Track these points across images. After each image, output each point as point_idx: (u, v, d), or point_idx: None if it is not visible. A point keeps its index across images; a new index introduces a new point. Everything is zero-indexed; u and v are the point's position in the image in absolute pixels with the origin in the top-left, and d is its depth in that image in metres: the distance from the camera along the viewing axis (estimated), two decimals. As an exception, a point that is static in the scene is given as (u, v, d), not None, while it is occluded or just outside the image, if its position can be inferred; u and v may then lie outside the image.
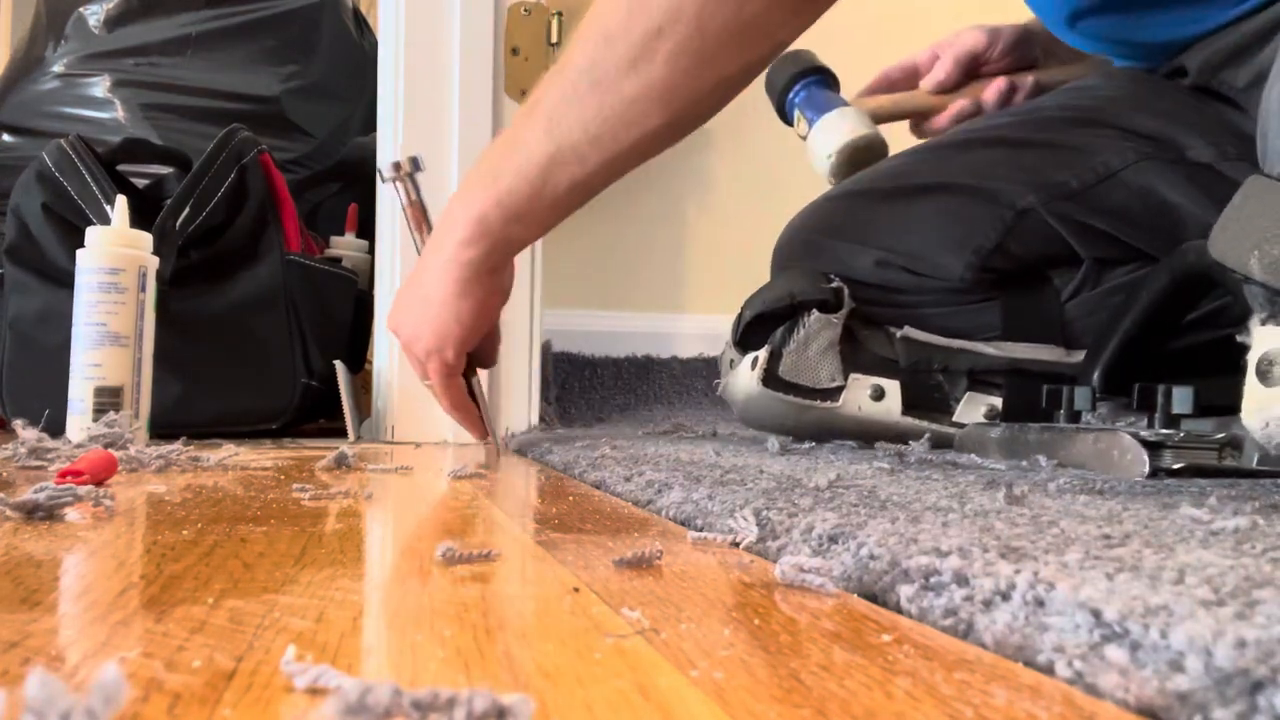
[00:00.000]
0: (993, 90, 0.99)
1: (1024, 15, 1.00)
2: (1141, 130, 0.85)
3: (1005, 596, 0.27)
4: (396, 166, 0.99)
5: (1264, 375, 0.47)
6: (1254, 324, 0.49)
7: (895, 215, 0.88)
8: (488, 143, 1.22)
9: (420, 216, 0.99)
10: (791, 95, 1.00)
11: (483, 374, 0.98)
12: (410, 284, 0.90)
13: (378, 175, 0.99)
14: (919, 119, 1.03)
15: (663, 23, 0.70)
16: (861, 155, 0.95)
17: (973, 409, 0.85)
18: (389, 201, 1.22)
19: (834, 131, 0.96)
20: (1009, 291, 0.86)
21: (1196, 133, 0.83)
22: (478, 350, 0.91)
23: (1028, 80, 1.00)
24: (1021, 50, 1.01)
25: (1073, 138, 0.86)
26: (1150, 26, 0.85)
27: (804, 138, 0.99)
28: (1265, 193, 0.50)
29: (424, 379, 0.92)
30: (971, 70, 1.01)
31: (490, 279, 0.85)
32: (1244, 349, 0.51)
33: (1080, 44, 0.92)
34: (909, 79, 1.03)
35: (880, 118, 0.99)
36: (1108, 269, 0.85)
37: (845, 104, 0.97)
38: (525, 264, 1.21)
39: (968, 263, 0.85)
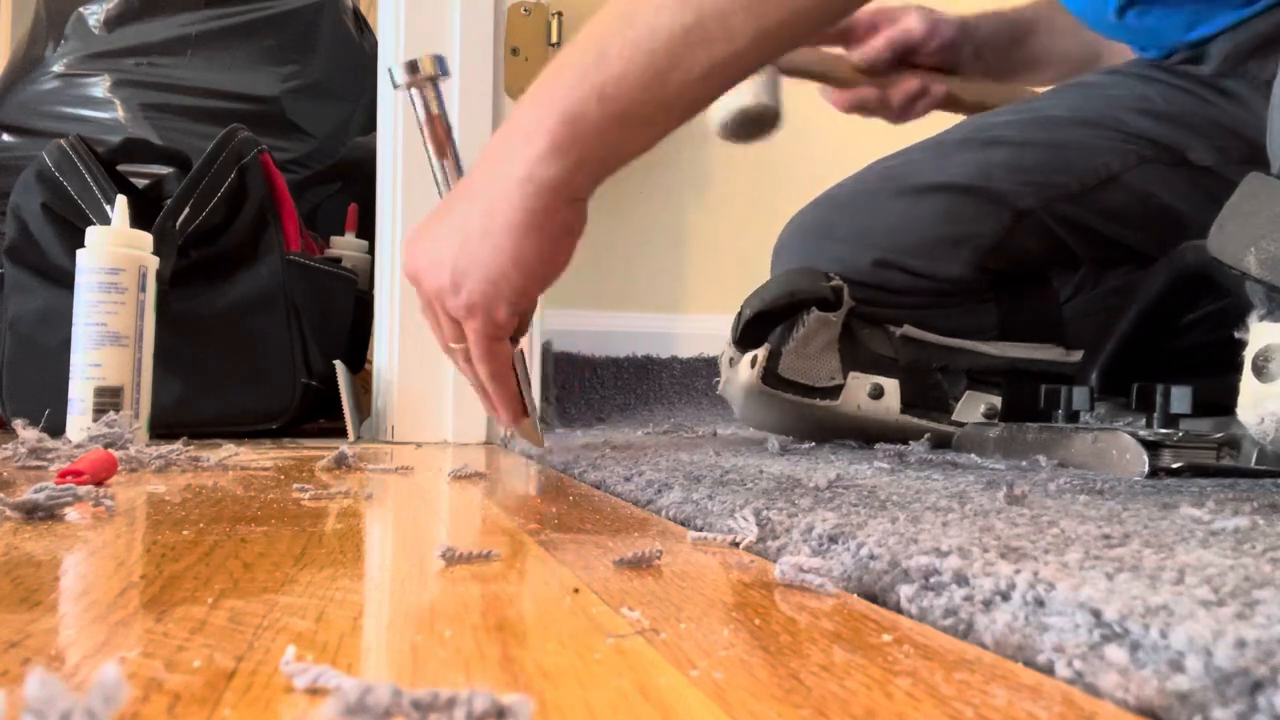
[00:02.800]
0: (902, 90, 0.98)
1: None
2: (1144, 133, 0.84)
3: (1005, 596, 0.27)
4: (413, 67, 0.78)
5: (1260, 371, 0.47)
6: (1252, 320, 0.49)
7: (894, 215, 0.88)
8: (488, 143, 1.23)
9: (444, 135, 0.79)
10: None
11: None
12: (440, 216, 0.72)
13: (389, 79, 0.80)
14: (830, 84, 1.01)
15: None
16: (753, 124, 0.93)
17: (972, 408, 0.85)
18: (389, 200, 1.22)
19: (736, 90, 0.88)
20: (1008, 292, 0.87)
21: (1200, 136, 0.83)
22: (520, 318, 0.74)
23: (940, 89, 0.99)
24: (953, 51, 1.00)
25: (1074, 139, 0.85)
26: (1196, 15, 0.83)
27: None
28: (1263, 190, 0.50)
29: (450, 342, 0.73)
30: (901, 57, 0.99)
31: (569, 211, 0.67)
32: (1242, 347, 0.51)
33: (1122, 36, 0.90)
34: (840, 36, 1.00)
35: (797, 71, 0.97)
36: (1107, 270, 0.85)
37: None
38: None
39: (966, 263, 0.85)
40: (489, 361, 0.72)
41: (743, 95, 0.91)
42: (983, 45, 1.00)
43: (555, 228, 0.67)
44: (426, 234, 0.71)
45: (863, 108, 0.99)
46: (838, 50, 1.00)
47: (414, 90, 0.78)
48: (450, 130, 0.79)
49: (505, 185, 0.66)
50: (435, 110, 0.78)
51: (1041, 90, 0.98)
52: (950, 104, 1.02)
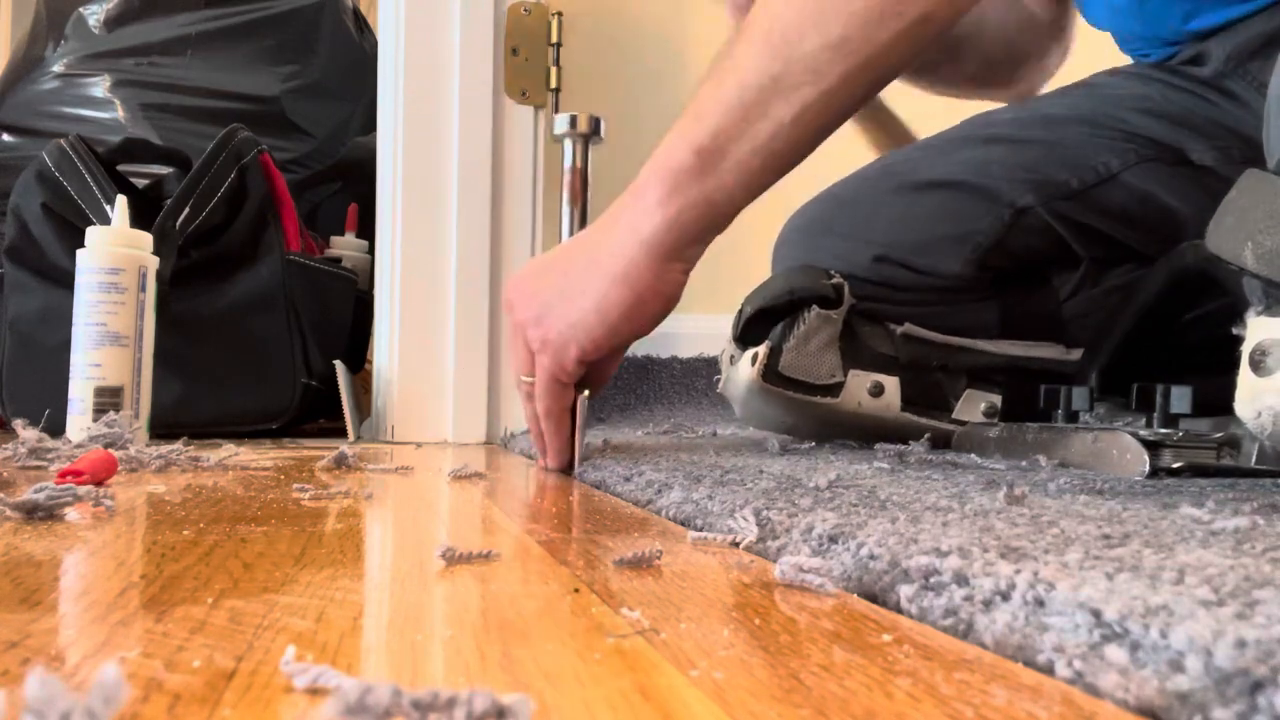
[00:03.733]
0: None
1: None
2: (1144, 131, 0.84)
3: (1005, 596, 0.27)
4: (572, 122, 0.85)
5: (1257, 365, 0.47)
6: (1250, 315, 0.49)
7: (894, 212, 0.88)
8: (487, 143, 1.23)
9: (579, 188, 0.85)
10: None
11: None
12: (552, 256, 0.75)
13: (551, 129, 0.86)
14: None
15: None
16: None
17: (972, 406, 0.85)
18: (389, 200, 1.22)
19: None
20: (1008, 290, 0.87)
21: (1200, 135, 0.83)
22: (594, 372, 0.74)
23: None
24: None
25: (1074, 137, 0.85)
26: (1195, 6, 0.82)
27: None
28: (1260, 185, 0.50)
29: (521, 373, 0.75)
30: None
31: (667, 272, 0.68)
32: (1240, 343, 0.51)
33: (1128, 29, 0.90)
34: None
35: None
36: (1106, 268, 0.85)
37: None
38: (525, 263, 1.21)
39: (966, 261, 0.85)
40: (548, 399, 0.72)
41: None
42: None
43: (647, 285, 0.68)
44: (536, 270, 0.75)
45: None
46: None
47: (567, 140, 0.85)
48: (586, 185, 0.86)
49: (613, 237, 0.69)
50: (579, 164, 0.85)
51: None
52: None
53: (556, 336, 0.69)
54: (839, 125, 0.69)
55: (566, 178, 0.86)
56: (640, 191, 0.68)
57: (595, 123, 0.84)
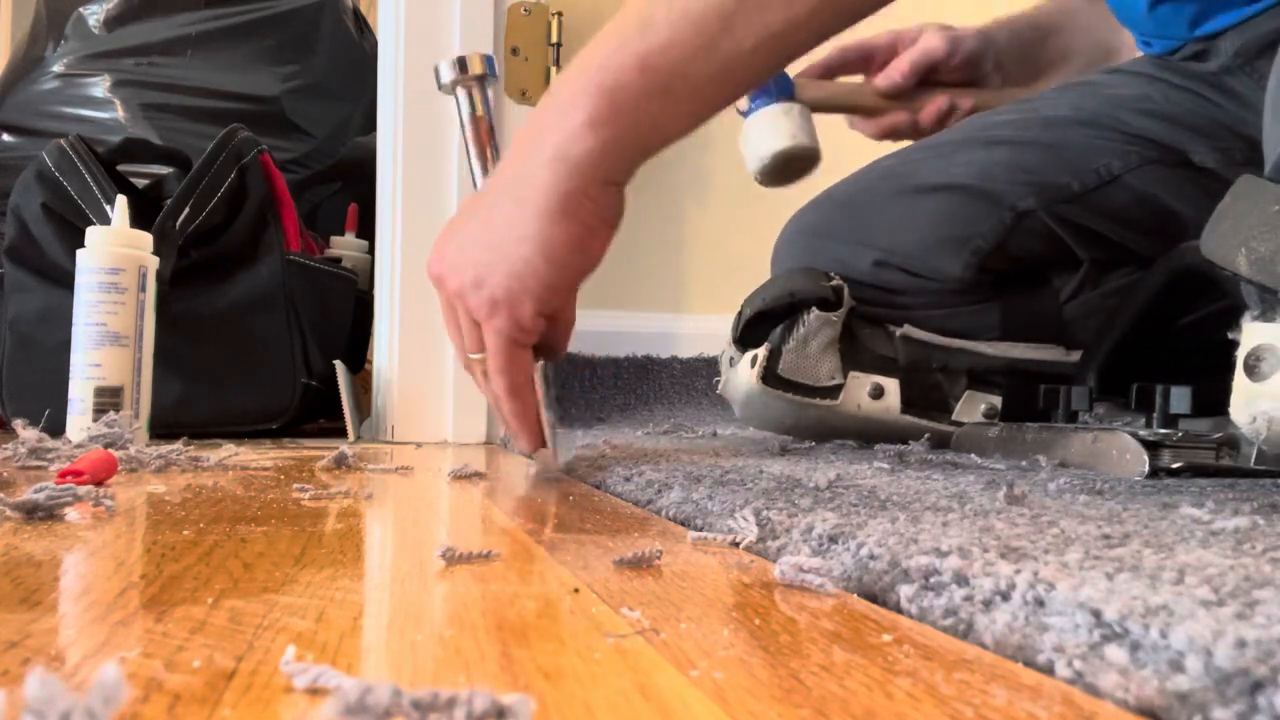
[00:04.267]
0: (931, 111, 0.96)
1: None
2: (1145, 133, 0.84)
3: (1005, 596, 0.27)
4: (461, 65, 0.75)
5: (1252, 370, 0.47)
6: (1245, 320, 0.49)
7: (894, 215, 0.88)
8: (519, 129, 1.22)
9: (486, 138, 0.75)
10: None
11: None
12: (468, 211, 0.67)
13: (434, 78, 0.76)
14: (858, 114, 1.00)
15: None
16: (794, 165, 0.93)
17: (972, 408, 0.85)
18: (389, 200, 1.22)
19: (773, 132, 0.91)
20: (1008, 292, 0.86)
21: (1202, 137, 0.83)
22: (554, 325, 0.66)
23: (968, 103, 0.98)
24: (976, 64, 0.99)
25: (1076, 139, 0.85)
26: (1203, 9, 0.81)
27: (742, 113, 0.94)
28: (1255, 191, 0.50)
29: (469, 351, 0.67)
30: (925, 77, 0.98)
31: (605, 196, 0.61)
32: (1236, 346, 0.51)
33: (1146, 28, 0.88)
34: (862, 62, 0.99)
35: (824, 106, 0.96)
36: (1107, 271, 0.85)
37: (792, 91, 0.93)
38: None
39: (966, 264, 0.85)
40: (507, 371, 0.64)
41: (780, 138, 0.91)
42: (1003, 54, 0.99)
43: (588, 214, 0.60)
44: (453, 231, 0.66)
45: (894, 133, 0.98)
46: (859, 78, 1.00)
47: (460, 89, 0.75)
48: (494, 132, 0.75)
49: (535, 166, 0.60)
50: (480, 111, 0.75)
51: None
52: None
53: (505, 294, 0.61)
54: (789, 62, 0.64)
55: (469, 131, 0.75)
56: (565, 109, 0.59)
57: (489, 62, 0.74)
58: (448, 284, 0.64)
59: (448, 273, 0.64)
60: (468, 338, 0.66)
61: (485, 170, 0.74)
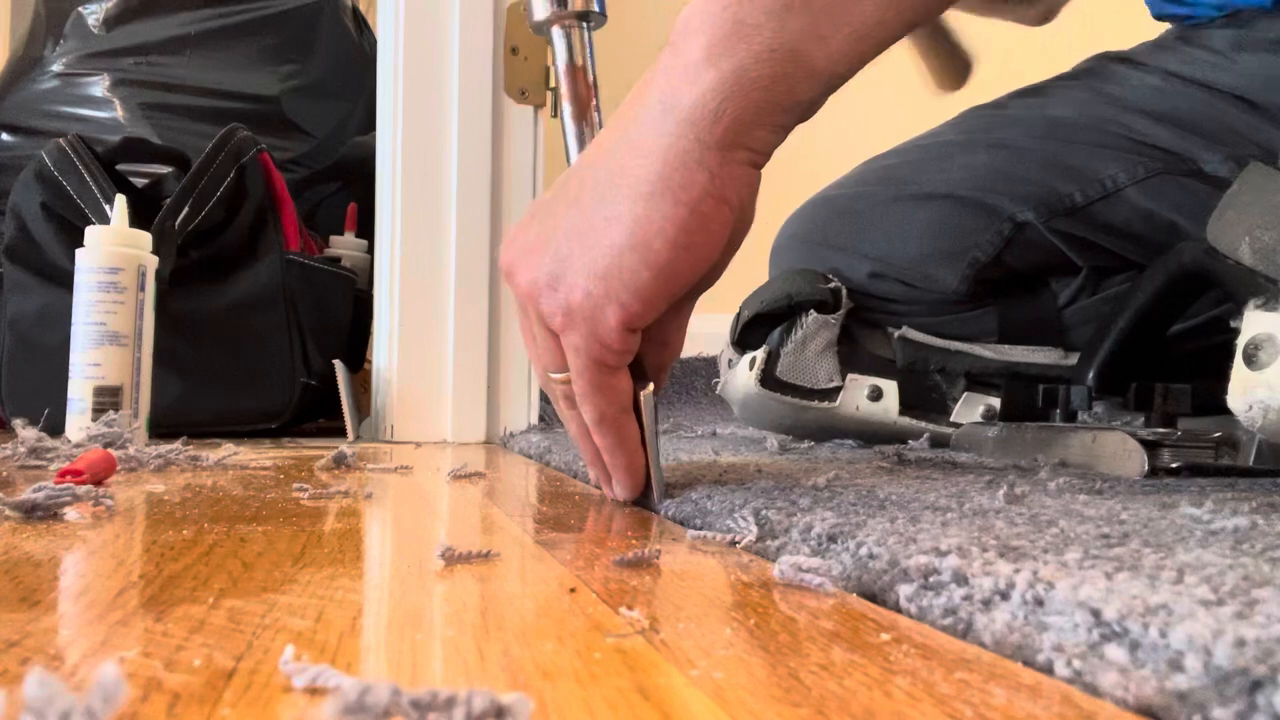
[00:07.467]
0: None
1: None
2: (1155, 141, 0.81)
3: (1004, 596, 0.27)
4: (561, 1, 0.59)
5: (1250, 359, 0.48)
6: (1247, 309, 0.49)
7: (890, 224, 0.87)
8: (487, 142, 1.23)
9: (587, 94, 0.59)
10: None
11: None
12: (563, 182, 0.49)
13: (527, 15, 0.60)
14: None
15: None
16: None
17: (970, 409, 0.85)
18: (388, 200, 1.22)
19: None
20: (1006, 299, 0.86)
21: (1214, 144, 0.80)
22: (651, 345, 0.49)
23: None
24: None
25: (1080, 145, 0.82)
26: None
27: None
28: (1261, 180, 0.50)
29: (548, 369, 0.50)
30: None
31: (725, 169, 0.44)
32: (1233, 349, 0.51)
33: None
34: None
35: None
36: (1106, 276, 0.85)
37: None
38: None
39: (963, 276, 0.84)
40: (596, 397, 0.48)
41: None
42: None
43: (702, 189, 0.43)
44: (536, 211, 0.50)
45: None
46: None
47: (556, 29, 0.60)
48: (595, 88, 0.60)
49: (640, 123, 0.45)
50: (580, 60, 0.60)
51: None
52: None
53: (584, 299, 0.45)
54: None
55: (566, 83, 0.59)
56: (677, 43, 0.44)
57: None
58: (518, 279, 0.49)
59: (519, 264, 0.48)
60: (544, 351, 0.49)
61: (583, 136, 0.60)
